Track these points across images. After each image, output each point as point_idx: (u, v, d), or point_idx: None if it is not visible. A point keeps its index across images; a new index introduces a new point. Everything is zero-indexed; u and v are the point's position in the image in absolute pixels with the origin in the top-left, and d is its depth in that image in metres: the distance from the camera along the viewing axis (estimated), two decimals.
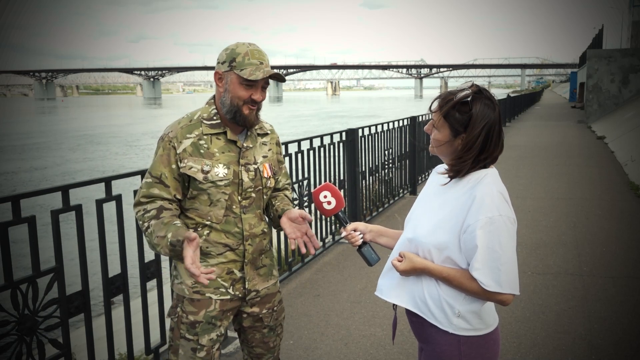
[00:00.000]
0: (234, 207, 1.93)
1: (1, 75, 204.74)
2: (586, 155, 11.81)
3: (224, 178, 1.89)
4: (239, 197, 1.94)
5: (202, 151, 1.89)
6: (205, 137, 1.90)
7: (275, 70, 1.87)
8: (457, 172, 1.58)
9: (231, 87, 1.87)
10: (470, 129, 1.53)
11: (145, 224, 1.84)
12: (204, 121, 1.92)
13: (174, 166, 1.88)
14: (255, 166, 1.98)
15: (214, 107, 1.95)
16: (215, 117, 1.93)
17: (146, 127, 44.52)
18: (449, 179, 1.61)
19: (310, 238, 1.95)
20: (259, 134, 2.03)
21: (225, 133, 1.92)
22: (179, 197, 1.91)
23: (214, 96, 1.97)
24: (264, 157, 2.02)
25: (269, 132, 2.09)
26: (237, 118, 1.89)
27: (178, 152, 1.87)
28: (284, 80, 1.99)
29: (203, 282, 1.66)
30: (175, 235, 1.75)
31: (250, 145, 1.98)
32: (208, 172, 1.88)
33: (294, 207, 2.08)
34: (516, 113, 25.54)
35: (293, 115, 59.72)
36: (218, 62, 1.92)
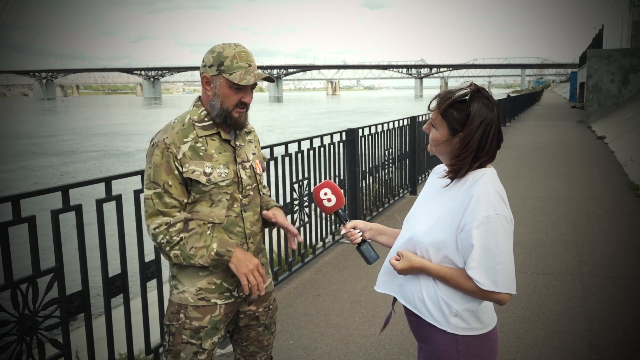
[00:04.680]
0: (235, 205, 1.95)
1: (1, 75, 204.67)
2: (586, 155, 11.81)
3: (225, 178, 1.91)
4: (240, 196, 1.96)
5: (200, 154, 1.88)
6: (200, 139, 1.90)
7: (265, 73, 1.87)
8: (456, 171, 1.58)
9: (220, 91, 1.87)
10: (467, 127, 1.54)
11: (175, 238, 1.83)
12: (196, 124, 1.91)
13: (176, 172, 1.86)
14: (249, 163, 2.01)
15: (203, 108, 1.93)
16: (206, 119, 1.92)
17: (159, 125, 45.80)
18: (449, 181, 1.61)
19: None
20: (245, 132, 2.06)
21: (219, 133, 1.93)
22: (186, 201, 1.90)
23: (200, 97, 1.96)
24: (253, 154, 2.06)
25: (252, 130, 2.12)
26: (227, 121, 1.90)
27: (178, 157, 1.85)
28: (273, 81, 2.04)
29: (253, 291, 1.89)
30: (223, 245, 1.84)
31: (242, 144, 2.01)
32: (210, 173, 1.88)
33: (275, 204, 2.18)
34: (516, 113, 25.53)
35: (303, 114, 62.23)
36: (204, 65, 1.90)
